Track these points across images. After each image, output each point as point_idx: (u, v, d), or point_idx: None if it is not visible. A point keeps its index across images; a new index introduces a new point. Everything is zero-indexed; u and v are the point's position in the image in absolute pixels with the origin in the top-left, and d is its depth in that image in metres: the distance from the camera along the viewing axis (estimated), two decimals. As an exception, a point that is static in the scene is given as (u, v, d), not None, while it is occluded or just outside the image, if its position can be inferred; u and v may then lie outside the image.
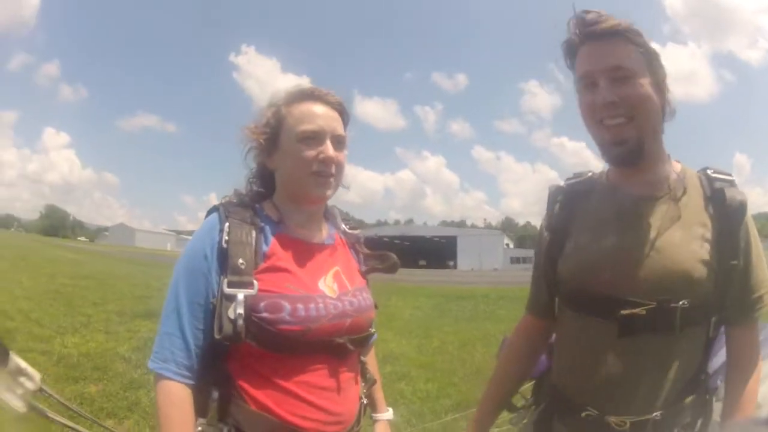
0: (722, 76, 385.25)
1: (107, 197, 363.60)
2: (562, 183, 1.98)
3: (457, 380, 7.69)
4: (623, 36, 1.62)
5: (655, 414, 1.63)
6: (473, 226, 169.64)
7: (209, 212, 1.80)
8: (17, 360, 1.98)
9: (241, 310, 1.60)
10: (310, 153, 1.77)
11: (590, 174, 1.93)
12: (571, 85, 1.77)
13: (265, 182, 1.94)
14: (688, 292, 1.59)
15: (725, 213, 1.65)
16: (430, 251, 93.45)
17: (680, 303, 1.58)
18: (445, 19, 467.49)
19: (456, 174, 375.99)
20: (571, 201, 1.88)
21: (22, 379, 1.99)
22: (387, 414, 2.20)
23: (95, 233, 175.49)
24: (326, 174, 1.80)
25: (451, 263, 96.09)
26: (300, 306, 1.68)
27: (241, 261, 1.65)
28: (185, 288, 1.69)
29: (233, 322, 1.60)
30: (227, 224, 1.70)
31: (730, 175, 1.72)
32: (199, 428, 1.63)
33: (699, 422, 1.72)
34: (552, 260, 1.89)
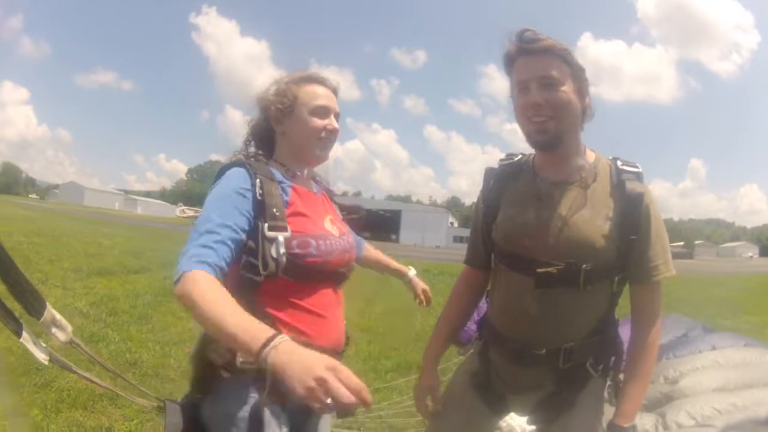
0: (687, 83, 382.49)
1: (59, 154, 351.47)
2: (496, 164, 2.44)
3: (398, 345, 8.01)
4: (553, 53, 2.04)
5: (566, 344, 2.14)
6: (418, 202, 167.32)
7: (229, 167, 2.10)
8: (53, 311, 2.06)
9: (283, 250, 1.97)
10: (321, 123, 2.24)
11: (519, 156, 2.38)
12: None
13: (264, 144, 2.35)
14: (591, 257, 2.06)
15: (625, 200, 2.09)
16: (374, 224, 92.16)
17: (584, 266, 2.06)
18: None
19: (406, 149, 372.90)
20: (503, 180, 2.36)
21: (54, 330, 2.09)
22: (412, 270, 3.08)
23: (45, 191, 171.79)
24: (330, 140, 2.30)
25: (394, 237, 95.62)
26: (321, 242, 2.11)
27: (275, 210, 2.01)
28: (222, 212, 1.93)
29: (276, 260, 1.96)
30: (258, 180, 2.03)
31: (636, 166, 2.17)
32: (241, 359, 1.90)
33: (612, 359, 2.27)
34: (487, 226, 2.39)
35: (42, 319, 2.03)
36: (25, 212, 37.38)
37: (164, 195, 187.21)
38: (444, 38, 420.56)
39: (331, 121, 2.28)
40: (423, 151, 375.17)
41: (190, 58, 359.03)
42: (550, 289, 2.12)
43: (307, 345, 1.90)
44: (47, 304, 2.04)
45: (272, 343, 1.48)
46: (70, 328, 2.14)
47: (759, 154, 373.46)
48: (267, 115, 2.29)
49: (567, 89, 2.04)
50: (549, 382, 2.22)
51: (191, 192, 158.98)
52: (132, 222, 49.33)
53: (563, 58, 2.05)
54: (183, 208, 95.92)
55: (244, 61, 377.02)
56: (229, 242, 1.89)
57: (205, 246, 1.84)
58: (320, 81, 2.32)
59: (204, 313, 1.64)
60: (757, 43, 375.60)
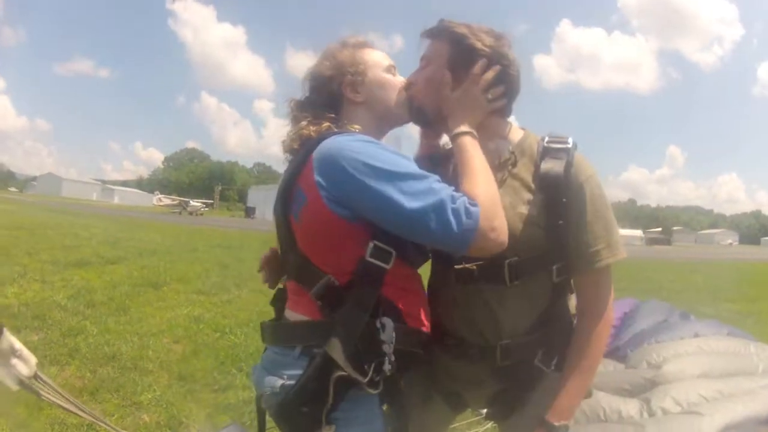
0: (667, 72, 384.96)
1: (37, 144, 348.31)
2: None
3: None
4: (434, 36, 2.03)
5: (501, 342, 1.97)
6: None
7: (348, 134, 1.82)
8: (11, 339, 1.88)
9: None
10: (400, 80, 2.09)
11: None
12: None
13: (333, 113, 2.00)
14: (515, 249, 1.83)
15: (540, 181, 1.90)
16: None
17: (508, 260, 1.86)
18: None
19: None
20: (433, 165, 2.08)
21: (15, 361, 1.89)
22: None
23: (24, 183, 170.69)
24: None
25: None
26: None
27: None
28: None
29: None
30: None
31: (566, 142, 1.95)
32: (388, 366, 1.69)
33: (558, 353, 2.00)
34: None
35: None
36: (5, 206, 37.26)
37: (141, 184, 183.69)
38: (421, 23, 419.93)
39: (403, 78, 2.12)
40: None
41: (167, 45, 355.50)
42: (474, 286, 1.96)
43: (421, 334, 1.89)
44: (5, 329, 1.87)
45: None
46: (34, 360, 1.97)
47: (739, 144, 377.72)
48: (335, 85, 2.02)
49: (437, 69, 2.00)
50: (493, 379, 2.06)
51: (168, 180, 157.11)
52: (109, 212, 49.50)
53: (449, 39, 1.99)
54: (160, 196, 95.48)
55: (220, 46, 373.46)
56: None
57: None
58: (373, 46, 2.16)
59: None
60: (740, 36, 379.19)
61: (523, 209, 1.90)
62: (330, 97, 2.02)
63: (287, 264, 1.92)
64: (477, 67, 1.93)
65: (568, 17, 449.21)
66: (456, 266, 1.95)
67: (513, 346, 1.98)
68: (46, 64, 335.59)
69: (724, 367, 4.50)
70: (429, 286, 2.17)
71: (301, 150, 1.85)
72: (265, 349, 1.95)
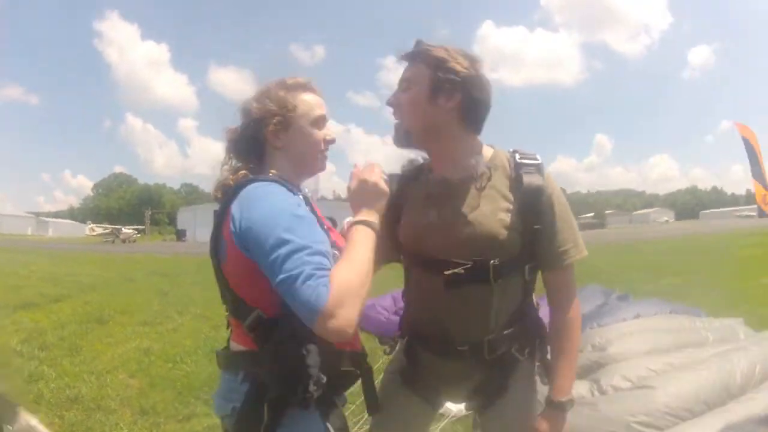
0: (592, 65, 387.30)
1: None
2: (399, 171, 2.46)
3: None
4: (418, 60, 2.15)
5: (487, 337, 2.18)
6: (323, 198, 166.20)
7: (262, 181, 1.92)
8: (27, 418, 1.97)
9: None
10: (321, 134, 2.14)
11: (421, 161, 2.42)
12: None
13: (250, 158, 2.11)
14: (497, 252, 2.09)
15: (525, 193, 2.13)
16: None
17: (492, 261, 2.08)
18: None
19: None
20: (404, 184, 2.39)
21: None
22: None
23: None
24: (327, 150, 2.19)
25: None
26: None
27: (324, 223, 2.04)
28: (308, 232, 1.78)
29: None
30: (300, 196, 1.97)
31: (536, 158, 2.21)
32: (314, 387, 1.78)
33: (535, 343, 2.30)
34: (392, 228, 2.33)
35: (14, 428, 1.93)
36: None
37: (73, 213, 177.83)
38: (342, 32, 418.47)
39: (329, 131, 2.19)
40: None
41: (93, 67, 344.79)
42: (461, 288, 2.14)
43: (347, 353, 1.99)
44: (20, 409, 2.01)
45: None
46: None
47: (670, 125, 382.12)
48: (261, 127, 2.08)
49: (420, 92, 2.12)
50: (477, 372, 2.27)
51: (98, 208, 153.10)
52: (45, 246, 49.08)
53: (430, 65, 2.11)
54: (92, 226, 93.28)
55: (144, 65, 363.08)
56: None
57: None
58: (312, 88, 2.19)
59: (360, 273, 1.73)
60: (668, 24, 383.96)
61: (503, 216, 2.12)
62: (255, 135, 2.10)
63: (225, 302, 2.01)
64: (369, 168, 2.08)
65: (491, 18, 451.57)
66: (445, 272, 2.12)
67: (496, 340, 2.20)
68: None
69: (672, 342, 4.68)
70: (408, 294, 2.46)
71: (223, 199, 1.97)
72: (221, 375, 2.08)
